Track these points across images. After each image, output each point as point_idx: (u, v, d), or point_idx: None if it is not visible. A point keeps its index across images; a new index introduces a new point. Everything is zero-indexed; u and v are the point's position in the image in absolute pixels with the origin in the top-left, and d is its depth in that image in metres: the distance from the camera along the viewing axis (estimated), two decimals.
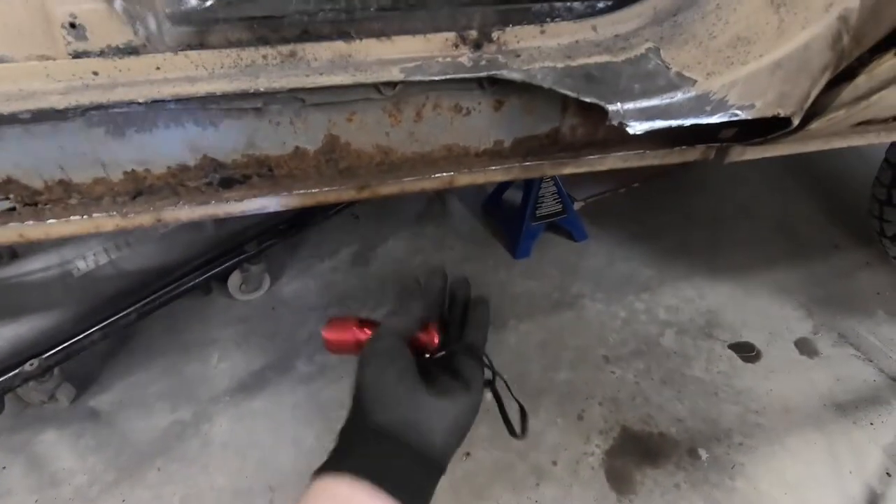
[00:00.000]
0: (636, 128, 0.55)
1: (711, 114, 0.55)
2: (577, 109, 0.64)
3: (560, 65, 0.57)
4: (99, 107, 0.52)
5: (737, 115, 0.56)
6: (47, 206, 0.57)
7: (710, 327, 1.46)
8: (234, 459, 1.22)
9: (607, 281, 1.57)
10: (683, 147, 0.71)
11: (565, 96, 0.57)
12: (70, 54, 0.52)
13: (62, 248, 1.32)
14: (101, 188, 0.58)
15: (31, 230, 0.57)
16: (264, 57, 0.54)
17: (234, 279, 1.51)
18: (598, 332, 1.43)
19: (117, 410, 1.32)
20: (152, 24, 0.53)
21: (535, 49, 0.59)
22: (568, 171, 0.69)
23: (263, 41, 0.55)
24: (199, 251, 1.46)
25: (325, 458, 0.47)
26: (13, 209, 0.57)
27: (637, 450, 1.21)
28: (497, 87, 0.60)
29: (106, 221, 0.59)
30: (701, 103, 0.55)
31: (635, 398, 1.30)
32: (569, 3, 0.60)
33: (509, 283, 1.58)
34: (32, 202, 0.57)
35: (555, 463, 1.19)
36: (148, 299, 1.34)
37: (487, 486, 1.17)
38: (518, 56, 0.58)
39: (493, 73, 0.55)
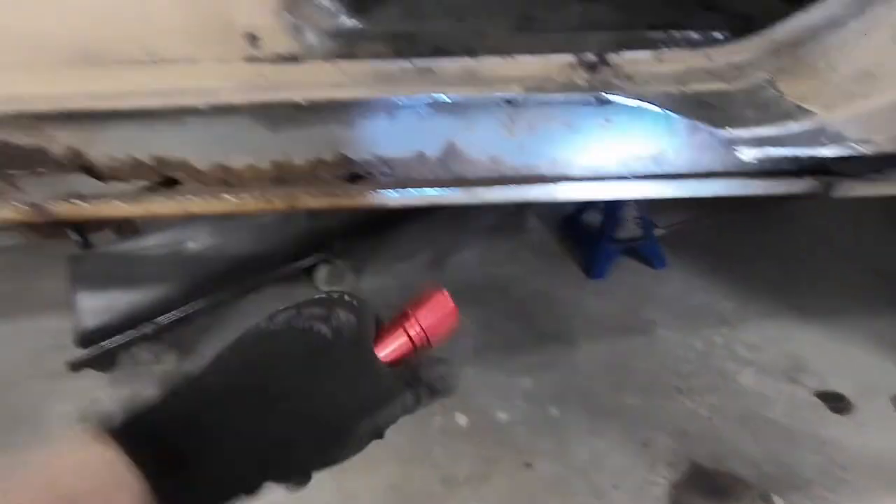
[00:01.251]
0: (747, 154, 0.57)
1: (828, 146, 0.56)
2: (683, 133, 0.67)
3: (673, 90, 0.60)
4: (263, 105, 0.61)
5: (854, 149, 0.56)
6: (207, 185, 0.67)
7: (795, 371, 1.39)
8: None
9: (683, 310, 1.54)
10: (790, 178, 0.71)
11: (669, 119, 0.60)
12: (244, 59, 0.62)
13: (176, 228, 1.48)
14: (251, 173, 0.67)
15: (193, 204, 0.68)
16: (401, 69, 0.62)
17: (321, 271, 1.62)
18: (670, 361, 1.40)
19: None
20: (312, 38, 0.62)
21: (649, 73, 0.62)
22: (669, 194, 0.71)
23: (401, 55, 0.62)
24: (291, 242, 1.59)
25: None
26: (177, 184, 0.68)
27: (706, 487, 1.17)
28: (608, 106, 0.64)
29: (250, 203, 0.68)
30: (817, 135, 0.56)
31: (707, 434, 1.26)
32: (685, 34, 0.63)
33: (581, 302, 1.58)
34: (198, 181, 0.67)
35: (616, 487, 1.18)
36: (245, 282, 1.48)
37: (543, 500, 1.18)
38: (631, 79, 0.62)
39: (608, 94, 0.59)
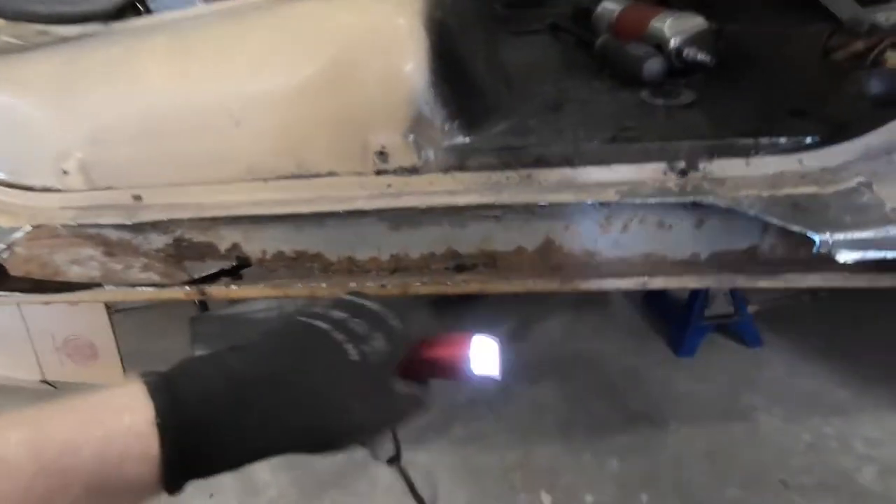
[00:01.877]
0: (846, 256, 0.58)
1: None
2: (778, 231, 0.69)
3: (765, 193, 0.64)
4: (389, 210, 0.72)
5: None
6: (335, 274, 0.79)
7: None
8: None
9: (788, 396, 1.44)
10: (894, 273, 0.70)
11: (763, 219, 0.63)
12: (374, 172, 0.74)
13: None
14: (373, 264, 0.78)
15: (320, 289, 0.79)
16: (507, 178, 0.71)
17: None
18: (775, 453, 1.30)
19: None
20: (430, 153, 0.73)
21: (740, 178, 0.66)
22: (762, 285, 0.73)
23: (507, 166, 0.72)
24: None
25: None
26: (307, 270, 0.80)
27: None
28: (700, 208, 0.68)
29: (370, 288, 0.78)
30: None
31: None
32: (775, 139, 0.67)
33: (671, 382, 1.53)
34: (325, 270, 0.79)
35: None
36: None
37: None
38: (722, 184, 0.66)
39: (700, 199, 0.64)
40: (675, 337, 1.61)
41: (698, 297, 1.54)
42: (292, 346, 0.42)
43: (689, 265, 0.72)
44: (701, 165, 0.67)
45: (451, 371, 0.47)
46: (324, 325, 0.42)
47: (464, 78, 0.76)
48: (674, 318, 1.64)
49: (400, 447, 0.69)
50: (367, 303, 0.45)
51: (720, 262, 0.72)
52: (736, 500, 1.22)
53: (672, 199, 0.65)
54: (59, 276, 0.78)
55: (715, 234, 0.70)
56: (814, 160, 0.65)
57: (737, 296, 1.54)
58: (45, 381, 1.01)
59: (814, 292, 1.68)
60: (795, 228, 0.59)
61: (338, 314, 0.43)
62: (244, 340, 0.43)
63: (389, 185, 0.73)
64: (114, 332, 0.97)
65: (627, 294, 1.88)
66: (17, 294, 0.81)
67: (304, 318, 0.43)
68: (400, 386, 0.43)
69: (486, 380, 0.48)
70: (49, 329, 0.98)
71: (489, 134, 0.75)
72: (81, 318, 0.97)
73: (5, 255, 0.75)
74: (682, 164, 0.67)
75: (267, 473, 1.48)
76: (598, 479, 1.32)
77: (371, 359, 0.41)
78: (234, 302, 1.90)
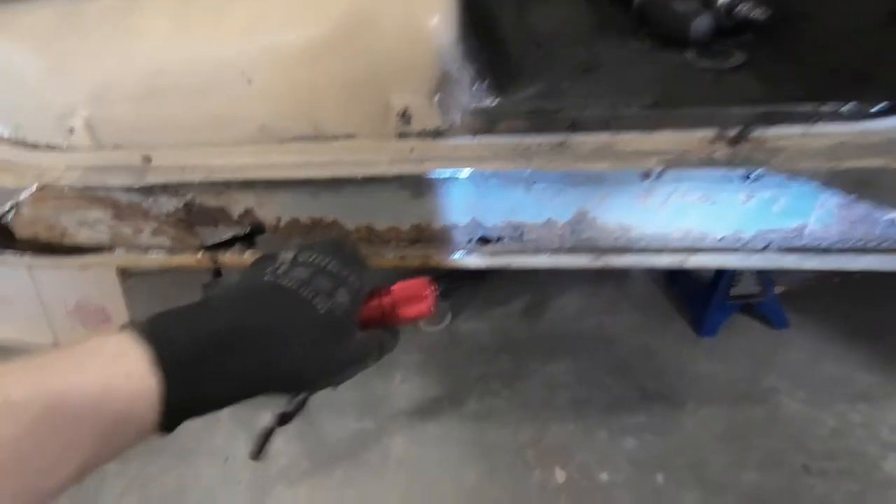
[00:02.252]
0: None
1: None
2: (833, 207, 0.64)
3: (826, 166, 0.58)
4: (412, 175, 0.67)
5: None
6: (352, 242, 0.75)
7: None
8: (405, 478, 1.34)
9: (811, 380, 1.39)
10: None
11: (818, 193, 0.58)
12: (396, 135, 0.69)
13: None
14: (392, 234, 0.74)
15: None
16: (539, 144, 0.65)
17: None
18: (796, 437, 1.27)
19: (317, 409, 1.55)
20: (456, 115, 0.68)
21: (797, 148, 0.60)
22: (810, 266, 0.68)
23: (539, 131, 0.66)
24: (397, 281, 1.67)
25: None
26: None
27: None
28: (749, 181, 0.63)
29: (387, 258, 0.74)
30: None
31: None
32: (837, 107, 0.60)
33: (690, 362, 1.49)
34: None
35: None
36: None
37: None
38: (778, 154, 0.61)
39: (754, 170, 0.58)
40: (697, 316, 1.56)
41: (724, 276, 1.49)
42: (265, 303, 0.46)
43: (733, 243, 0.67)
44: (754, 134, 0.61)
45: (395, 317, 0.52)
46: (290, 284, 0.47)
47: (493, 34, 0.71)
48: (696, 297, 1.59)
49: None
50: (327, 260, 0.50)
51: (766, 240, 0.67)
52: (754, 484, 1.20)
53: (721, 170, 0.60)
54: (67, 238, 0.76)
55: (763, 210, 0.64)
56: (881, 129, 0.59)
57: (764, 275, 1.48)
58: (57, 345, 1.00)
59: (845, 273, 1.62)
60: (862, 205, 0.53)
61: (301, 273, 0.48)
62: (216, 295, 0.47)
63: (412, 150, 0.68)
64: (125, 296, 0.95)
65: (647, 270, 1.83)
66: (27, 256, 0.79)
67: (270, 279, 0.48)
68: (361, 335, 0.49)
69: (424, 320, 0.57)
70: (61, 293, 0.96)
71: (519, 96, 0.69)
72: (93, 283, 0.95)
73: (11, 216, 0.72)
74: (733, 132, 0.61)
75: (279, 442, 1.48)
76: (613, 457, 1.30)
77: (336, 312, 0.46)
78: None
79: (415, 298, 0.54)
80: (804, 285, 1.62)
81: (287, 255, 0.51)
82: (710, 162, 0.61)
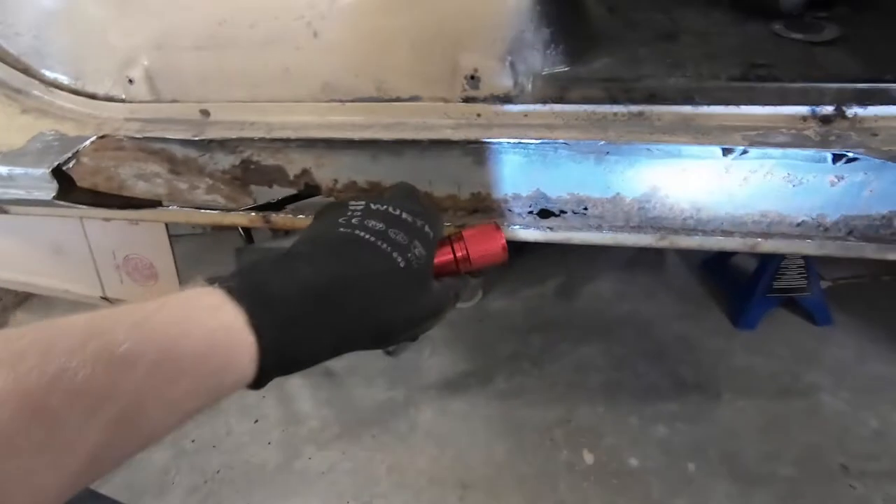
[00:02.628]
0: None
1: None
2: None
3: None
4: (477, 142, 0.65)
5: None
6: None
7: None
8: (433, 448, 1.35)
9: (855, 379, 1.36)
10: None
11: None
12: (462, 99, 0.66)
13: None
14: (450, 202, 0.72)
15: None
16: (614, 114, 0.62)
17: None
18: (837, 436, 1.24)
19: (347, 375, 1.56)
20: (527, 81, 0.65)
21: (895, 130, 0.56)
22: (893, 257, 0.64)
23: (614, 100, 0.63)
24: None
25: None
26: None
27: None
28: (841, 162, 0.59)
29: (446, 229, 0.72)
30: None
31: None
32: None
33: (728, 353, 1.46)
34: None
35: None
36: None
37: None
38: (875, 135, 0.57)
39: (850, 151, 0.55)
40: (736, 307, 1.52)
41: (767, 268, 1.44)
42: (347, 254, 0.46)
43: (812, 228, 0.64)
44: (850, 112, 0.57)
45: (468, 263, 0.54)
46: (368, 237, 0.47)
47: None
48: (736, 287, 1.55)
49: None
50: (399, 212, 0.50)
51: (850, 227, 0.63)
52: (790, 479, 1.18)
53: (813, 150, 0.56)
54: (125, 190, 0.75)
55: (852, 195, 0.61)
56: None
57: (811, 269, 1.43)
58: (105, 298, 1.02)
59: (895, 272, 1.56)
60: None
61: (376, 224, 0.49)
62: (295, 247, 0.47)
63: (479, 115, 0.65)
64: (174, 253, 0.95)
65: (684, 256, 1.79)
66: (81, 207, 0.79)
67: (346, 230, 0.48)
68: (436, 285, 0.51)
69: (495, 265, 0.56)
70: (110, 246, 0.97)
71: (594, 64, 0.66)
72: (142, 237, 0.95)
73: (72, 165, 0.72)
74: (827, 110, 0.57)
75: (309, 405, 1.51)
76: (644, 443, 1.29)
77: (414, 264, 0.47)
78: (278, 234, 1.90)
79: (486, 242, 0.55)
80: (851, 282, 1.56)
81: (357, 205, 0.51)
82: (800, 141, 0.57)
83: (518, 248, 1.55)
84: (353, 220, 0.49)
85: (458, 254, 0.54)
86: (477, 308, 1.72)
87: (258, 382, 0.40)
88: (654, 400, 1.38)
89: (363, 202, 0.51)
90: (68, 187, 0.74)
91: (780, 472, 1.20)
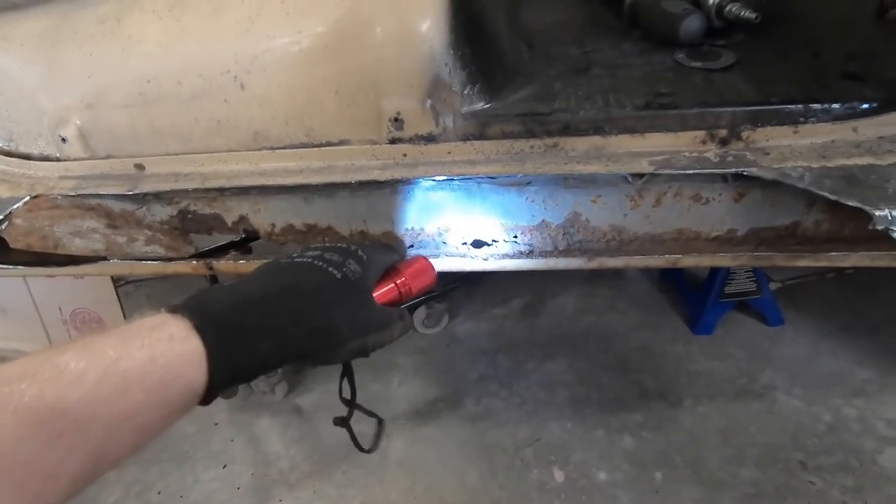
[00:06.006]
0: None
1: None
2: (824, 206, 0.64)
3: (815, 165, 0.58)
4: (405, 180, 0.67)
5: None
6: None
7: None
8: (405, 478, 1.34)
9: (808, 376, 1.40)
10: None
11: (812, 193, 0.58)
12: (388, 140, 0.69)
13: None
14: (387, 238, 0.74)
15: None
16: (531, 147, 0.66)
17: (420, 313, 1.69)
18: (793, 433, 1.28)
19: (315, 411, 1.55)
20: (448, 120, 0.68)
21: (786, 147, 0.61)
22: (803, 263, 0.68)
23: (531, 134, 0.67)
24: None
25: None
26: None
27: None
28: (741, 180, 0.63)
29: None
30: None
31: None
32: (826, 106, 0.61)
33: (687, 359, 1.50)
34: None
35: None
36: None
37: None
38: (767, 154, 0.61)
39: (745, 170, 0.59)
40: (693, 313, 1.57)
41: (718, 274, 1.50)
42: (287, 273, 0.51)
43: (725, 242, 0.68)
44: (744, 134, 0.61)
45: (409, 292, 0.60)
46: (306, 260, 0.53)
47: (484, 38, 0.71)
48: (691, 295, 1.60)
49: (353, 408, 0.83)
50: (335, 244, 0.56)
51: (759, 239, 0.67)
52: (752, 480, 1.21)
53: (712, 171, 0.60)
54: (61, 248, 0.75)
55: (755, 209, 0.65)
56: (870, 128, 0.59)
57: (759, 273, 1.49)
58: None
59: (840, 269, 1.63)
60: (851, 203, 0.54)
61: (313, 252, 0.54)
62: (242, 278, 0.51)
63: (405, 155, 0.68)
64: (121, 304, 0.94)
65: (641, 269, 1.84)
66: (21, 267, 0.79)
67: (286, 261, 0.54)
68: (380, 306, 0.55)
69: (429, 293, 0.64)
70: (56, 302, 0.96)
71: (511, 99, 0.69)
72: (88, 291, 0.95)
73: (4, 227, 0.72)
74: (722, 133, 0.62)
75: (278, 445, 1.49)
76: (612, 456, 1.30)
77: (350, 277, 0.52)
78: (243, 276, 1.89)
79: (422, 273, 0.61)
80: (798, 282, 1.63)
81: (297, 249, 0.58)
82: (701, 163, 0.61)
83: (477, 274, 1.55)
84: (293, 255, 0.55)
85: (400, 286, 0.59)
86: (444, 333, 1.73)
87: (209, 391, 0.42)
88: (619, 411, 1.41)
89: (301, 247, 0.58)
90: (2, 250, 0.74)
91: (743, 473, 1.23)
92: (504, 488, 1.29)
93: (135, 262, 0.79)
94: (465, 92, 0.67)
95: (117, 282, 0.94)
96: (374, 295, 0.56)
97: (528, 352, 1.62)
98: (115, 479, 1.41)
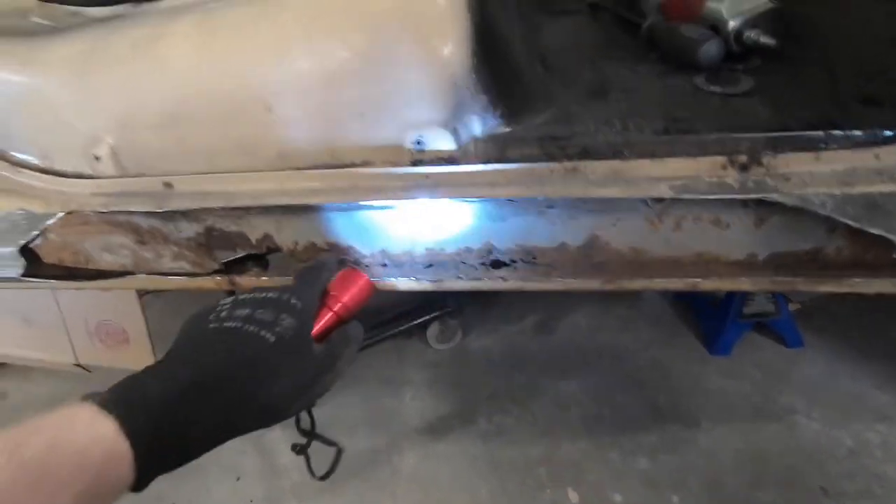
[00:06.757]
0: None
1: None
2: (846, 232, 0.64)
3: (837, 191, 0.59)
4: (426, 201, 0.68)
5: None
6: (367, 267, 0.76)
7: None
8: (417, 494, 1.34)
9: (828, 399, 1.38)
10: None
11: (834, 219, 0.58)
12: (411, 162, 0.70)
13: None
14: (406, 258, 0.75)
15: None
16: (551, 171, 0.67)
17: (433, 329, 1.69)
18: (814, 457, 1.26)
19: (328, 425, 1.55)
20: (469, 143, 0.69)
21: (807, 174, 0.61)
22: (824, 289, 0.68)
23: (551, 157, 0.68)
24: (408, 300, 1.68)
25: None
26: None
27: None
28: (761, 206, 0.63)
29: (406, 283, 0.75)
30: None
31: None
32: (847, 132, 0.61)
33: (703, 379, 1.48)
34: (357, 263, 0.77)
35: None
36: (369, 335, 1.58)
37: None
38: (788, 180, 0.61)
39: (766, 196, 0.59)
40: (710, 334, 1.55)
41: (737, 294, 1.48)
42: (217, 347, 0.49)
43: (746, 266, 0.68)
44: (764, 160, 0.62)
45: (349, 311, 0.58)
46: (235, 324, 0.50)
47: (505, 62, 0.72)
48: (708, 315, 1.58)
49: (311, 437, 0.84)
50: (264, 294, 0.54)
51: (779, 263, 0.67)
52: None
53: (732, 196, 0.60)
54: (91, 263, 0.78)
55: (776, 234, 0.65)
56: (892, 155, 0.59)
57: (778, 294, 1.47)
58: (78, 365, 1.02)
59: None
60: (874, 231, 0.54)
61: (242, 311, 0.51)
62: (169, 352, 0.50)
63: (427, 176, 0.69)
64: (145, 317, 0.96)
65: None
66: (52, 280, 0.81)
67: (215, 325, 0.50)
68: (319, 347, 0.53)
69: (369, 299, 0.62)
70: (82, 314, 0.98)
71: (531, 123, 0.71)
72: (113, 303, 0.97)
73: (39, 242, 0.74)
74: (743, 158, 0.62)
75: (289, 457, 1.49)
76: (627, 477, 1.29)
77: (285, 336, 0.50)
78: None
79: (352, 285, 0.60)
80: (818, 303, 1.61)
81: (226, 302, 0.55)
82: (720, 188, 0.61)
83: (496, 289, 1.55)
84: (222, 314, 0.52)
85: (339, 311, 0.58)
86: (457, 349, 1.73)
87: (139, 483, 0.42)
88: (634, 432, 1.39)
89: (232, 298, 0.55)
90: (36, 264, 0.76)
91: (762, 497, 1.21)
92: None
93: (161, 277, 0.81)
94: (487, 116, 0.69)
95: (141, 292, 0.96)
96: (314, 332, 0.54)
97: (541, 369, 1.62)
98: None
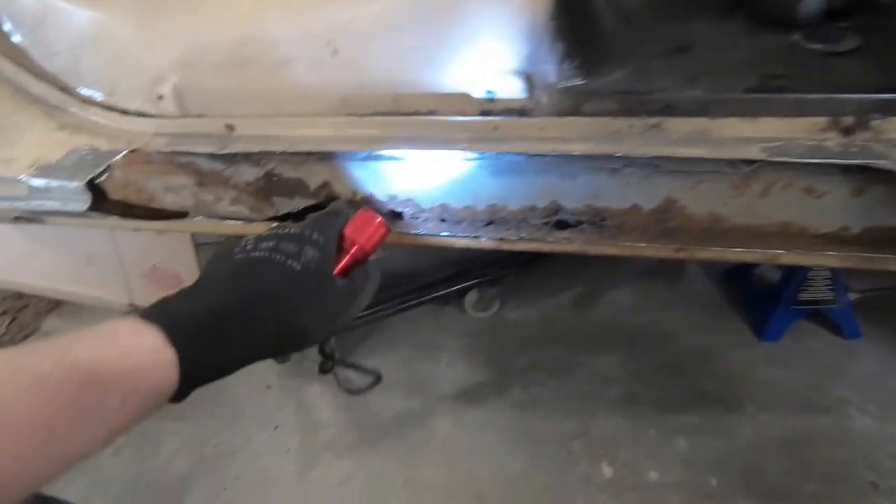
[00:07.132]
0: None
1: None
2: None
3: None
4: (494, 154, 0.66)
5: None
6: (426, 221, 0.74)
7: None
8: (448, 459, 1.35)
9: (884, 393, 1.32)
10: None
11: None
12: (479, 113, 0.67)
13: None
14: (467, 213, 0.73)
15: (408, 237, 0.75)
16: (630, 126, 0.63)
17: (471, 296, 1.68)
18: (865, 452, 1.21)
19: (365, 382, 1.58)
20: (543, 95, 0.66)
21: None
22: None
23: (630, 113, 0.64)
24: (447, 265, 1.67)
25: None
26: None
27: None
28: (863, 174, 0.58)
29: (464, 241, 0.73)
30: None
31: None
32: None
33: (749, 365, 1.43)
34: (415, 217, 0.75)
35: None
36: (406, 298, 1.58)
37: None
38: None
39: (872, 163, 0.54)
40: (760, 319, 1.49)
41: (792, 279, 1.41)
42: (245, 273, 0.51)
43: (835, 240, 0.63)
44: (872, 123, 0.56)
45: (364, 252, 0.59)
46: (262, 254, 0.52)
47: (586, 9, 0.68)
48: (759, 299, 1.52)
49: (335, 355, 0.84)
50: (287, 230, 0.55)
51: (874, 239, 0.62)
52: (816, 496, 1.14)
53: (833, 161, 0.55)
54: (155, 202, 0.78)
55: (876, 206, 0.60)
56: None
57: (838, 280, 1.40)
58: (133, 305, 1.05)
59: None
60: None
61: (267, 244, 0.53)
62: (199, 280, 0.53)
63: (496, 128, 0.66)
64: (198, 262, 0.98)
65: (705, 266, 1.76)
66: (112, 218, 0.82)
67: (241, 256, 0.53)
68: (342, 281, 0.55)
69: (384, 239, 0.62)
70: (138, 256, 1.00)
71: (610, 77, 0.66)
72: (168, 248, 0.98)
73: (105, 178, 0.75)
74: (848, 121, 0.57)
75: (327, 412, 1.52)
76: (664, 456, 1.27)
77: (310, 266, 0.52)
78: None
79: (367, 226, 0.61)
80: (879, 293, 1.52)
81: (249, 237, 0.56)
82: (821, 152, 0.57)
83: (533, 257, 1.54)
84: (248, 247, 0.54)
85: (356, 252, 0.59)
86: (493, 319, 1.72)
87: (180, 393, 0.44)
88: (674, 412, 1.36)
89: (255, 235, 0.56)
90: (101, 199, 0.77)
91: (806, 488, 1.17)
92: (548, 478, 1.28)
93: (217, 220, 0.82)
94: (563, 66, 0.65)
95: (196, 240, 0.98)
96: (335, 271, 0.56)
97: (579, 344, 1.59)
98: (173, 431, 1.48)
